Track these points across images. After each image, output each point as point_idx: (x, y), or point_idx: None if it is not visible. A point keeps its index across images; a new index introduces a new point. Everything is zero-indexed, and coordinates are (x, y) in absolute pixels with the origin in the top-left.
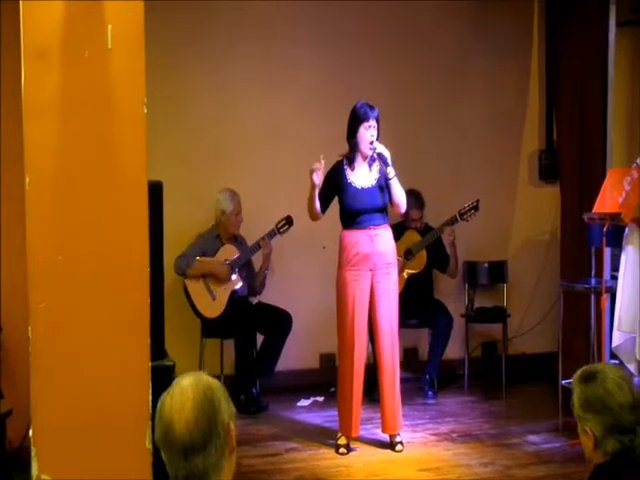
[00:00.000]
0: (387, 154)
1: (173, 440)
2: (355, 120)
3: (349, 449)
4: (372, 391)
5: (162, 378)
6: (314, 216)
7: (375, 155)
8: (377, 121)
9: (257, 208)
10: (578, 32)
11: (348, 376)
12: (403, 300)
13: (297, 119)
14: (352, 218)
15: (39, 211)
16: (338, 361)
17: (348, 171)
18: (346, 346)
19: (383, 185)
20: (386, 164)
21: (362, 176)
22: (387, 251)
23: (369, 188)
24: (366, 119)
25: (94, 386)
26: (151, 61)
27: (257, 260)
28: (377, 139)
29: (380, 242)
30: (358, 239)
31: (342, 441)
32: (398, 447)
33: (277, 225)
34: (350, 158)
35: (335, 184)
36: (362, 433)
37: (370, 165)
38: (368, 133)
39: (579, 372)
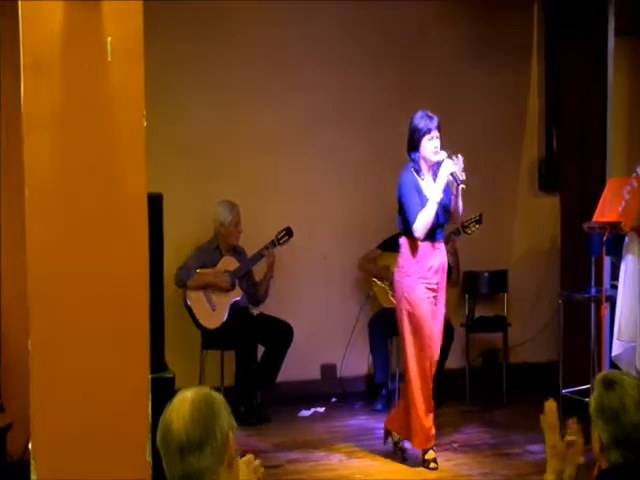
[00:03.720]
0: (453, 167)
1: (170, 438)
2: (416, 133)
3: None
4: (373, 402)
5: (162, 390)
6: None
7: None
8: (439, 130)
9: (256, 219)
10: (577, 41)
11: (427, 388)
12: None
13: (296, 131)
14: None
15: (39, 224)
16: (412, 375)
17: (420, 182)
18: (425, 358)
19: (447, 201)
20: (457, 181)
21: (430, 190)
22: (444, 265)
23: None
24: (428, 132)
25: (94, 399)
26: (151, 73)
27: (257, 270)
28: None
29: (442, 256)
30: (429, 252)
31: (432, 455)
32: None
33: (277, 236)
34: (417, 170)
35: (420, 194)
36: (363, 444)
37: (435, 178)
38: (432, 145)
39: (602, 374)
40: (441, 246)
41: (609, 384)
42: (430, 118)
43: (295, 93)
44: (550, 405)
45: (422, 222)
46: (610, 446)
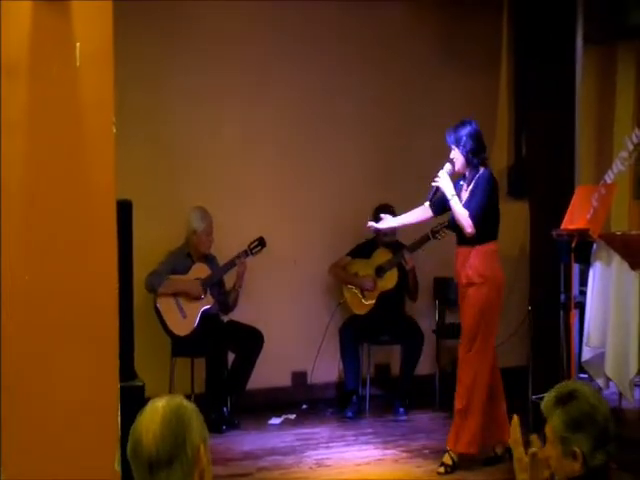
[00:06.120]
0: (440, 181)
1: (140, 452)
2: None
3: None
4: (344, 409)
5: (131, 399)
6: None
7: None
8: (454, 142)
9: (228, 226)
10: (546, 48)
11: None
12: (374, 317)
13: (270, 137)
14: None
15: (6, 230)
16: None
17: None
18: None
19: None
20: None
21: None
22: (462, 271)
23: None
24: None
25: (63, 407)
26: (123, 77)
27: (228, 278)
28: (462, 162)
29: (458, 261)
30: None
31: (447, 459)
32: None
33: (250, 246)
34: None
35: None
36: (334, 451)
37: (468, 184)
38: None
39: (552, 395)
40: (457, 251)
41: (566, 398)
42: (448, 132)
43: (269, 96)
44: (514, 421)
45: None
46: (593, 450)
